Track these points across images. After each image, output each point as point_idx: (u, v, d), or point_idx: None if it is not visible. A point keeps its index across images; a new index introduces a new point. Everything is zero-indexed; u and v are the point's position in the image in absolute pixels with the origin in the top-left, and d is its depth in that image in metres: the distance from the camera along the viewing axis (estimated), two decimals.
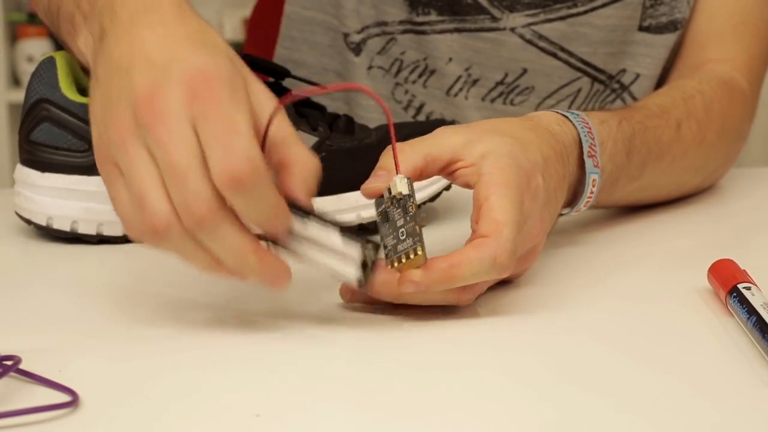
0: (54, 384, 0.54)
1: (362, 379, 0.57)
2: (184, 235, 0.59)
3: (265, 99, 0.63)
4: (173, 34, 0.62)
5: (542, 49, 1.04)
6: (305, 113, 0.83)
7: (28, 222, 0.82)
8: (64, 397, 0.53)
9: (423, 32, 1.05)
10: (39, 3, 0.83)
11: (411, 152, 0.68)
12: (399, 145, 0.68)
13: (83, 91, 0.83)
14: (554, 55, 1.05)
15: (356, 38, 1.07)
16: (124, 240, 0.82)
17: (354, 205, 0.82)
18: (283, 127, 0.62)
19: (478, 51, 1.05)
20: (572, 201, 0.78)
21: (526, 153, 0.69)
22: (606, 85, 1.06)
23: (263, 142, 0.61)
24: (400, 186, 0.65)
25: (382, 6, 1.06)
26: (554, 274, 0.75)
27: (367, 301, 0.67)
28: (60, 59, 0.82)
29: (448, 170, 0.69)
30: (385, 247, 0.64)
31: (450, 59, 1.05)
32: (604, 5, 1.03)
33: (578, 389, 0.56)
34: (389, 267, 0.63)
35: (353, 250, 0.62)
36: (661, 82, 1.08)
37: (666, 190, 0.94)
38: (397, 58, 1.07)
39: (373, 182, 0.66)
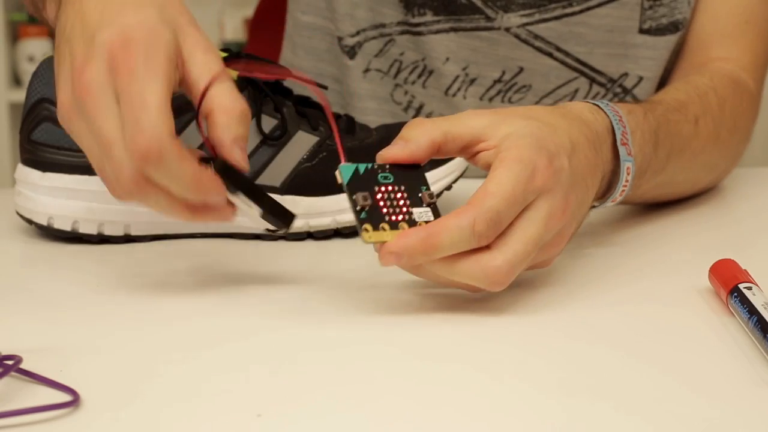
0: (55, 384, 0.54)
1: (365, 379, 0.57)
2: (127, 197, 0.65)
3: (197, 50, 0.65)
4: None
5: (538, 49, 1.04)
6: (306, 113, 0.83)
7: (29, 222, 0.83)
8: (65, 397, 0.53)
9: (419, 33, 1.05)
10: None
11: (431, 126, 0.68)
12: (422, 120, 0.68)
13: None
14: (550, 55, 1.05)
15: (350, 42, 1.07)
16: (124, 240, 0.82)
17: None
18: (195, 67, 0.65)
19: (474, 50, 1.05)
20: (607, 192, 0.78)
21: (552, 136, 0.68)
22: (608, 89, 1.06)
23: (200, 100, 0.65)
24: (339, 177, 0.65)
25: (378, 8, 1.06)
26: (556, 274, 0.74)
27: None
28: None
29: (470, 151, 0.69)
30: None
31: (447, 59, 1.05)
32: (599, 5, 1.03)
33: (579, 388, 0.56)
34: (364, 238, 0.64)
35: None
36: (662, 83, 1.08)
37: (682, 187, 0.94)
38: (396, 60, 1.07)
39: (388, 150, 0.67)
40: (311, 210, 0.82)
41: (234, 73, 0.80)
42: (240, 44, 2.88)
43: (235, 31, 2.96)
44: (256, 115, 0.80)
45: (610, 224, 0.88)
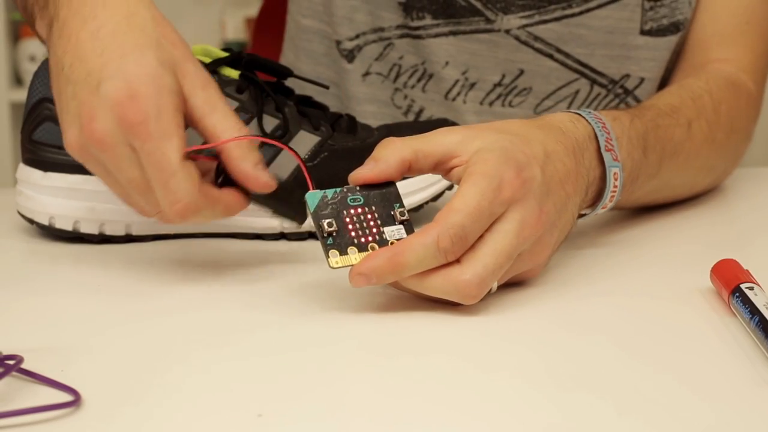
0: (56, 383, 0.54)
1: (364, 379, 0.57)
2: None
3: (198, 90, 0.69)
4: (102, 33, 0.68)
5: (538, 51, 1.04)
6: (307, 113, 0.83)
7: (31, 221, 0.82)
8: (67, 397, 0.53)
9: (419, 37, 1.05)
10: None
11: (402, 145, 0.69)
12: (392, 140, 0.69)
13: None
14: (550, 57, 1.05)
15: (349, 45, 1.07)
16: (125, 239, 0.82)
17: None
18: (213, 114, 0.69)
19: (474, 53, 1.05)
20: (597, 199, 0.78)
21: (524, 147, 0.69)
22: (609, 90, 1.06)
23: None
24: (308, 203, 0.67)
25: (377, 12, 1.06)
26: (558, 274, 0.74)
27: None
28: None
29: (443, 168, 0.69)
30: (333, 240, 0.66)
31: (447, 63, 1.05)
32: (599, 6, 1.03)
33: (580, 388, 0.55)
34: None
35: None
36: (663, 83, 1.08)
37: (680, 191, 0.94)
38: (395, 63, 1.07)
39: (358, 171, 0.68)
40: None
41: (235, 73, 0.80)
42: (241, 44, 2.88)
43: (236, 30, 2.96)
44: (258, 114, 0.80)
45: (610, 224, 0.88)
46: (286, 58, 1.14)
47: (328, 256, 0.65)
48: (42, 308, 0.69)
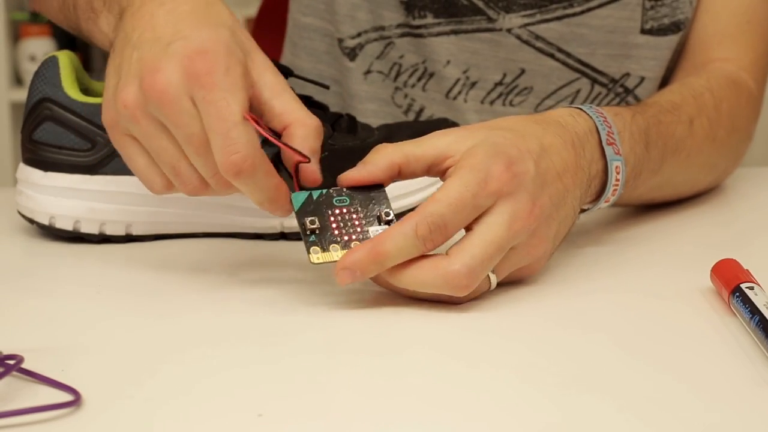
0: (57, 383, 0.54)
1: (364, 378, 0.57)
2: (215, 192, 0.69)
3: (267, 72, 0.68)
4: (179, 10, 0.68)
5: (539, 50, 1.04)
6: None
7: (31, 221, 0.83)
8: (67, 397, 0.53)
9: (420, 35, 1.05)
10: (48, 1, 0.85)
11: (393, 149, 0.70)
12: (385, 145, 0.70)
13: (86, 90, 0.84)
14: (551, 56, 1.05)
15: (351, 43, 1.07)
16: (126, 239, 0.82)
17: None
18: (282, 95, 0.69)
19: (475, 52, 1.05)
20: (599, 193, 0.78)
21: (518, 142, 0.69)
22: (609, 89, 1.06)
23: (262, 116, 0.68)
24: (293, 203, 0.68)
25: (378, 10, 1.06)
26: (558, 272, 0.74)
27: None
28: (63, 58, 0.82)
29: (437, 170, 0.70)
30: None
31: (448, 62, 1.05)
32: (600, 5, 1.03)
33: (579, 387, 0.55)
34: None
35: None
36: (663, 83, 1.08)
37: (682, 188, 0.94)
38: (395, 62, 1.07)
39: (346, 173, 0.69)
40: None
41: None
42: None
43: None
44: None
45: (610, 223, 0.88)
46: (286, 57, 1.14)
47: (309, 252, 0.67)
48: (42, 308, 0.69)
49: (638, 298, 0.71)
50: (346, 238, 0.67)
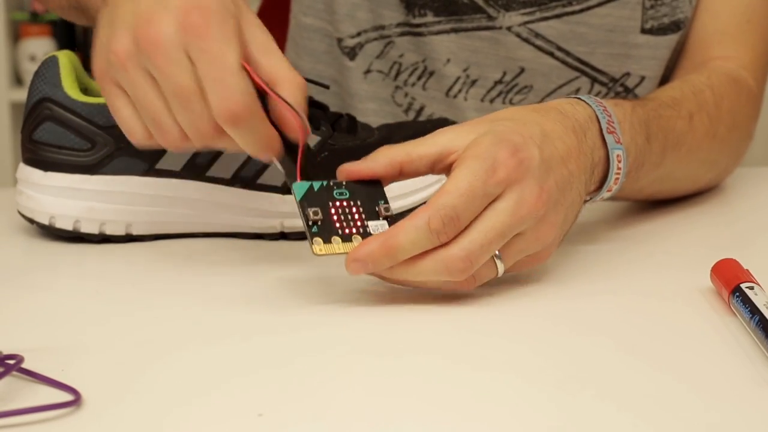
0: (57, 383, 0.54)
1: (364, 378, 0.57)
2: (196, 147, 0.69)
3: (257, 30, 0.69)
4: None
5: (539, 48, 1.04)
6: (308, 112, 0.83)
7: (31, 221, 0.82)
8: (67, 397, 0.53)
9: (420, 34, 1.05)
10: None
11: (395, 148, 0.70)
12: (388, 145, 0.70)
13: (86, 90, 0.83)
14: (551, 54, 1.05)
15: (351, 43, 1.07)
16: (126, 239, 0.82)
17: None
18: (270, 54, 0.69)
19: (475, 51, 1.05)
20: (602, 182, 0.78)
21: (520, 129, 0.69)
22: (609, 88, 1.06)
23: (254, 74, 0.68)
24: (294, 195, 0.68)
25: (378, 10, 1.06)
26: (557, 272, 0.74)
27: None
28: (63, 58, 0.82)
29: (441, 166, 0.70)
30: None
31: (448, 60, 1.05)
32: (599, 4, 1.03)
33: (580, 387, 0.55)
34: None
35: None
36: (662, 82, 1.08)
37: (683, 184, 0.94)
38: (395, 61, 1.07)
39: (346, 165, 0.70)
40: None
41: None
42: None
43: None
44: None
45: (609, 222, 0.88)
46: (290, 57, 1.14)
47: (312, 243, 0.67)
48: (42, 308, 0.69)
49: (638, 298, 0.71)
50: (347, 231, 0.68)
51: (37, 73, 0.82)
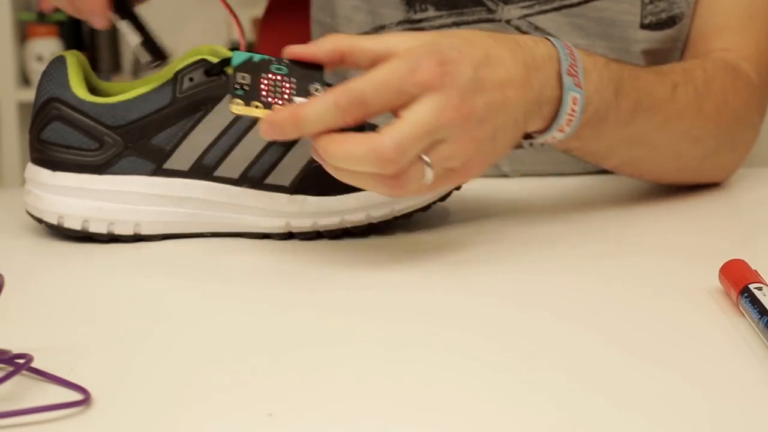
0: (66, 382, 0.54)
1: (374, 377, 0.57)
2: None
3: None
4: None
5: None
6: None
7: (39, 221, 0.83)
8: (76, 396, 0.53)
9: (422, 29, 1.05)
10: None
11: (340, 37, 0.74)
12: (337, 34, 0.75)
13: (93, 90, 0.84)
14: (589, 51, 1.05)
15: None
16: (134, 239, 0.82)
17: (364, 204, 0.82)
18: None
19: None
20: (554, 120, 0.80)
21: (461, 46, 0.73)
22: None
23: None
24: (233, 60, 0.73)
25: (377, 10, 1.06)
26: (561, 271, 0.74)
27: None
28: (70, 58, 0.82)
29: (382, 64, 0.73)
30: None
31: None
32: None
33: (583, 387, 0.55)
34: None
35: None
36: None
37: (661, 154, 0.93)
38: None
39: (294, 46, 0.74)
40: (320, 209, 0.82)
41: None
42: (249, 44, 2.88)
43: (244, 30, 2.96)
44: None
45: (618, 222, 0.88)
46: None
47: (231, 102, 0.72)
48: (51, 307, 0.69)
49: (644, 297, 0.71)
50: (270, 100, 0.72)
51: (44, 73, 0.82)
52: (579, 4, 1.04)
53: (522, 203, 0.96)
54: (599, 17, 1.04)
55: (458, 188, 0.86)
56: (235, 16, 0.80)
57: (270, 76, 0.72)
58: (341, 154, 0.69)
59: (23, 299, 0.70)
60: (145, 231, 0.82)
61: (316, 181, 0.81)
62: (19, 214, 0.86)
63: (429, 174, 0.71)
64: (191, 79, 0.79)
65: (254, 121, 0.77)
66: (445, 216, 0.89)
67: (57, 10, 2.96)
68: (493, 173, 1.10)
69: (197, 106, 0.80)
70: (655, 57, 1.06)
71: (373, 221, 0.83)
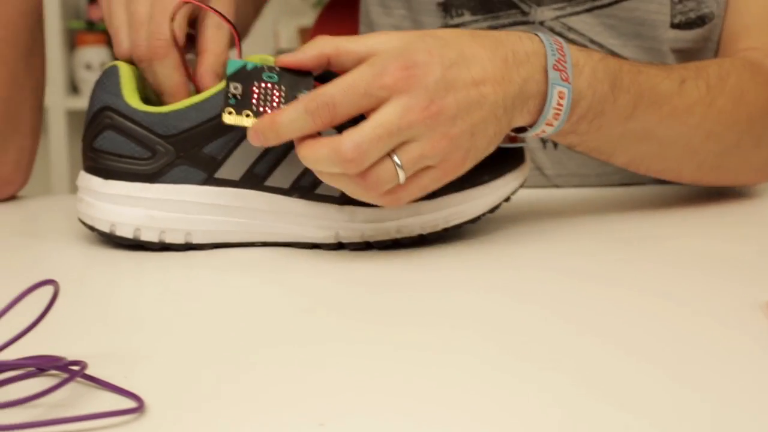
0: (120, 390, 0.54)
1: (425, 386, 0.57)
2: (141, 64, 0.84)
3: (219, 6, 0.84)
4: None
5: (572, 41, 1.06)
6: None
7: (92, 228, 0.83)
8: (130, 403, 0.53)
9: None
10: None
11: (326, 40, 0.77)
12: (322, 35, 0.78)
13: (146, 99, 0.84)
14: (584, 47, 1.05)
15: None
16: (185, 247, 0.82)
17: (414, 215, 0.82)
18: (209, 23, 0.84)
19: None
20: (540, 115, 0.81)
21: (434, 48, 0.75)
22: None
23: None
24: (228, 67, 0.77)
25: (419, 18, 1.09)
26: (606, 286, 0.74)
27: None
28: (123, 68, 0.83)
29: None
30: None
31: None
32: None
33: (614, 408, 0.54)
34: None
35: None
36: None
37: (673, 149, 0.93)
38: None
39: (283, 56, 0.77)
40: (370, 220, 0.82)
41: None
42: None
43: (289, 40, 2.97)
44: None
45: (642, 220, 0.88)
46: None
47: (223, 112, 0.76)
48: (104, 314, 0.70)
49: (685, 310, 0.69)
50: (260, 109, 0.76)
51: (98, 83, 0.83)
52: (609, 4, 1.05)
53: (568, 213, 0.96)
54: (630, 17, 1.05)
55: (507, 200, 0.86)
56: (227, 20, 0.84)
57: (261, 84, 0.76)
58: (310, 157, 0.74)
59: (77, 306, 0.70)
60: (195, 240, 0.82)
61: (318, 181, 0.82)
62: (69, 221, 0.87)
63: (401, 174, 0.75)
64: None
65: None
66: (494, 227, 0.89)
67: None
68: (540, 182, 1.10)
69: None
70: (687, 56, 1.07)
71: (423, 232, 0.83)
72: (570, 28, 1.06)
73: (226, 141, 0.80)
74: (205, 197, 0.81)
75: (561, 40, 0.82)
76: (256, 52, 0.89)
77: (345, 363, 0.60)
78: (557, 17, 1.06)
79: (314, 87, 0.76)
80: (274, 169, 0.81)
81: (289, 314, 0.69)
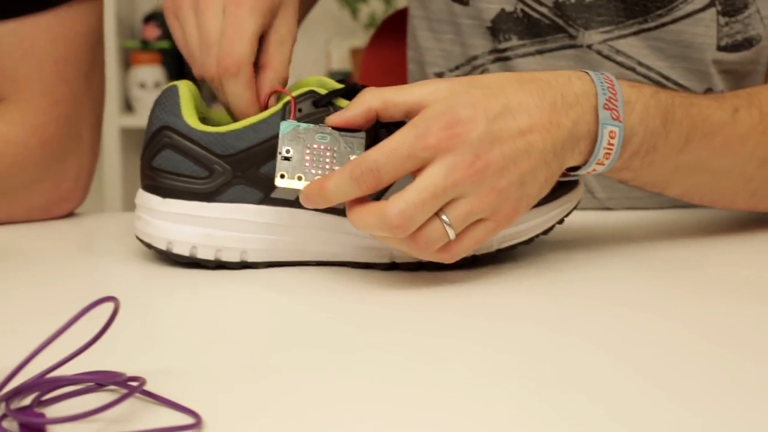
0: (178, 406, 0.55)
1: (459, 407, 0.57)
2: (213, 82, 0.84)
3: (284, 23, 0.86)
4: None
5: (620, 64, 1.06)
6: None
7: (149, 246, 0.84)
8: (188, 419, 0.54)
9: (508, 58, 1.08)
10: None
11: (373, 95, 0.77)
12: (368, 89, 0.78)
13: (204, 119, 0.85)
14: (633, 70, 1.06)
15: (451, 76, 1.09)
16: (241, 266, 0.83)
17: None
18: (278, 43, 0.85)
19: (560, 69, 1.06)
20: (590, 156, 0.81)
21: (480, 101, 0.74)
22: None
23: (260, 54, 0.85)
24: (281, 128, 0.78)
25: (468, 41, 1.10)
26: (646, 302, 0.74)
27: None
28: (182, 88, 0.84)
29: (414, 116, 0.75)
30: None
31: None
32: (674, 21, 1.05)
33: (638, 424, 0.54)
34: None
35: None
36: None
37: (727, 179, 0.92)
38: None
39: (332, 115, 0.78)
40: None
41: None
42: (346, 74, 2.91)
43: (341, 60, 2.99)
44: (373, 144, 0.81)
45: (707, 266, 0.87)
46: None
47: (276, 175, 0.77)
48: (161, 331, 0.71)
49: (727, 349, 0.69)
50: (313, 171, 0.77)
51: (157, 102, 0.84)
52: (656, 27, 1.05)
53: (619, 236, 0.95)
54: (676, 40, 1.05)
55: (561, 222, 0.86)
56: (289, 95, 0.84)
57: (314, 146, 0.77)
58: (358, 223, 0.74)
59: (136, 323, 0.71)
60: (251, 258, 0.83)
61: None
62: (126, 238, 0.88)
63: (450, 232, 0.75)
64: (300, 110, 0.80)
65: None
66: (547, 250, 0.89)
67: (160, 37, 3.02)
68: (591, 204, 1.10)
69: None
70: (735, 78, 1.07)
71: (477, 254, 0.83)
72: (618, 51, 1.06)
73: None
74: (261, 216, 0.82)
75: (612, 76, 0.81)
76: (308, 72, 0.89)
77: (409, 381, 0.61)
78: (605, 40, 1.06)
79: (365, 146, 0.77)
80: None
81: (344, 334, 0.70)
